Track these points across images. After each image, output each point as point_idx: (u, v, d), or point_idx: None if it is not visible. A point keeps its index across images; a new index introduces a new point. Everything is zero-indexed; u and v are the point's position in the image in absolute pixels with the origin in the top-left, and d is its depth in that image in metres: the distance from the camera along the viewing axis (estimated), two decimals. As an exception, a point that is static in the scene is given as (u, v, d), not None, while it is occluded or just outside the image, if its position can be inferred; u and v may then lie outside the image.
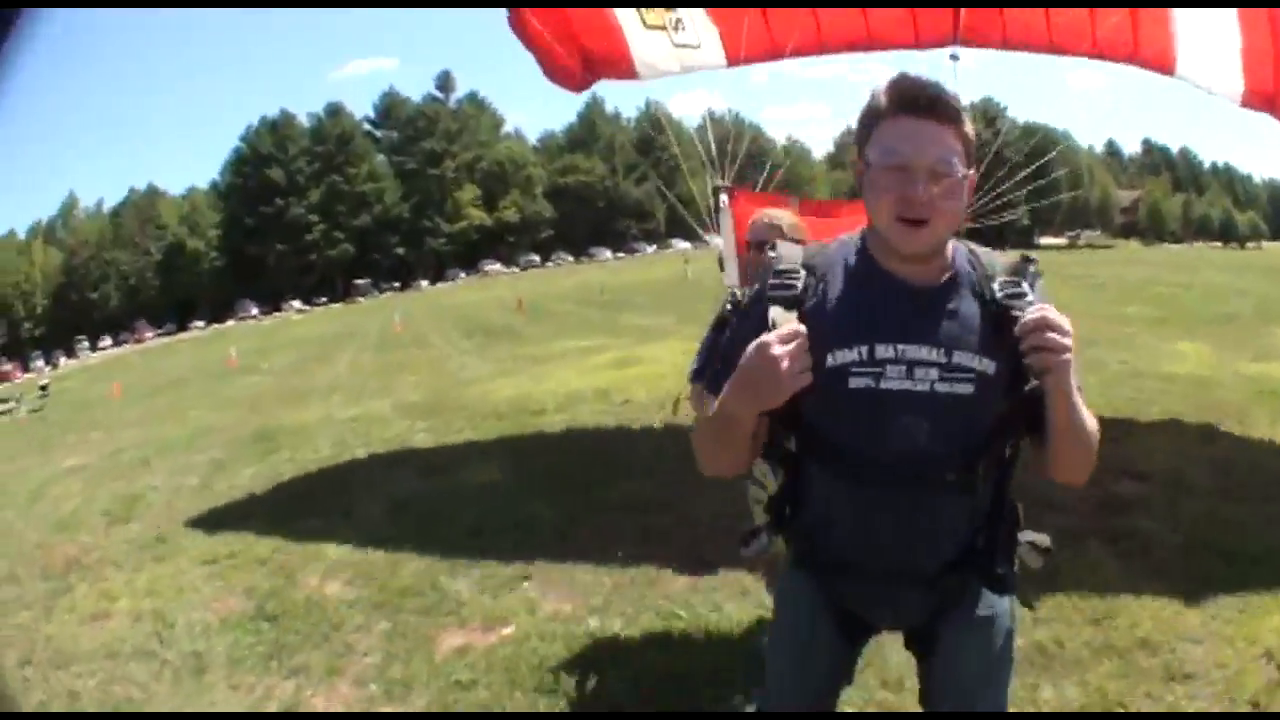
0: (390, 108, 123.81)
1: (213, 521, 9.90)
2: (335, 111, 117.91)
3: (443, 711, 5.41)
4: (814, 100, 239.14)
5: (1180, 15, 9.35)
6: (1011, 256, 2.63)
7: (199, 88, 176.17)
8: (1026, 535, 2.68)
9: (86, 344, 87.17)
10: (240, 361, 32.81)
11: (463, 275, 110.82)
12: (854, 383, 2.47)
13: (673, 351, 19.19)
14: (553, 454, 11.11)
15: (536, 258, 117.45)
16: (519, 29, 8.63)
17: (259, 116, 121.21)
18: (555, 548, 7.67)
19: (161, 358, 52.75)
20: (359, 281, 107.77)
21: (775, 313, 2.47)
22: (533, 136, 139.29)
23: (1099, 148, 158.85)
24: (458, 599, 6.89)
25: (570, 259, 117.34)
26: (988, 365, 2.47)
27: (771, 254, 2.67)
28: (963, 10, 9.56)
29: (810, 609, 2.81)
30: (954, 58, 9.77)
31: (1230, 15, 8.94)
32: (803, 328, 2.33)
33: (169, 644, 6.64)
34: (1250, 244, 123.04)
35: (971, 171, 2.48)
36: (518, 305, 41.16)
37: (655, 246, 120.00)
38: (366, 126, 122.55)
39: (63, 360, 77.13)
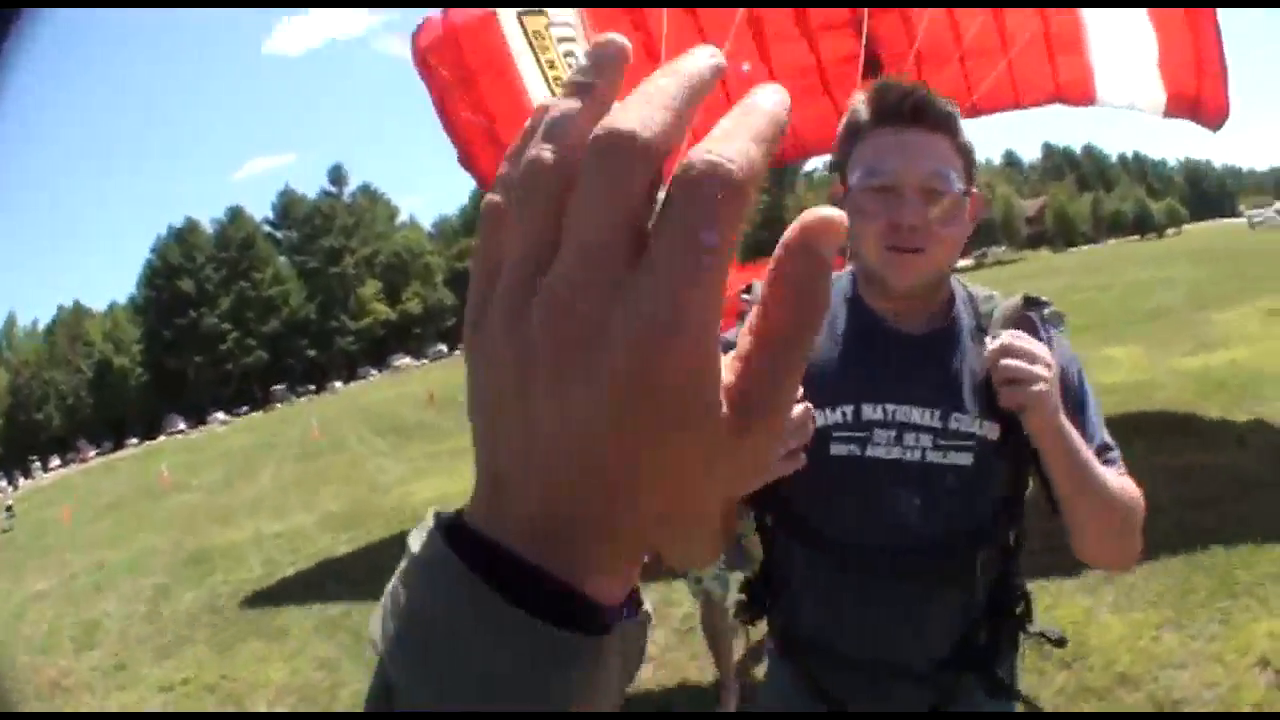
0: (288, 206, 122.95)
1: (163, 649, 10.46)
2: (236, 215, 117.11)
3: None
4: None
5: (1095, 40, 9.22)
6: (1012, 301, 2.22)
7: (110, 201, 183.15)
8: (1036, 627, 2.27)
9: (39, 464, 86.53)
10: (172, 479, 32.90)
11: (374, 372, 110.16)
12: (836, 449, 2.09)
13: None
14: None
15: (444, 347, 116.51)
16: (472, 169, 8.56)
17: (167, 226, 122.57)
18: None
19: (102, 477, 52.39)
20: (276, 388, 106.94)
21: None
22: (427, 222, 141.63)
23: (996, 160, 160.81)
24: (399, 724, 7.13)
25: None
26: (990, 430, 2.08)
27: (746, 298, 2.25)
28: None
29: (797, 707, 2.34)
30: None
31: (1144, 23, 8.87)
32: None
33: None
34: (1170, 231, 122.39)
35: (974, 190, 2.12)
36: (429, 400, 41.33)
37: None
38: (267, 228, 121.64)
39: (21, 480, 76.65)
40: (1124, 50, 9.11)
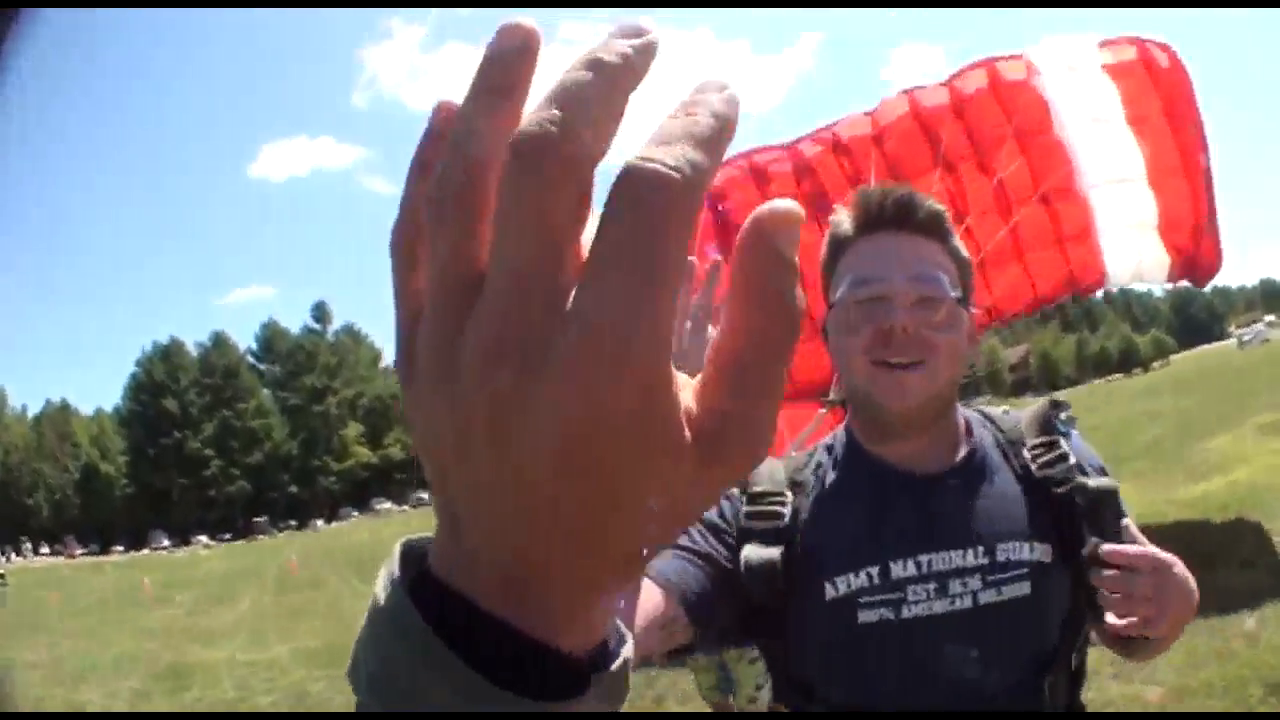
0: (271, 339, 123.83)
1: (141, 754, 10.40)
2: (220, 342, 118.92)
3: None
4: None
5: (1102, 222, 9.16)
6: (1036, 407, 2.03)
7: (96, 305, 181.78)
8: None
9: (29, 546, 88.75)
10: (154, 592, 33.17)
11: (355, 513, 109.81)
12: (865, 616, 1.80)
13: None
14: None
15: (425, 495, 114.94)
16: None
17: (151, 341, 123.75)
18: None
19: (90, 575, 52.98)
20: (258, 519, 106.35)
21: (750, 552, 1.84)
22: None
23: (977, 310, 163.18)
24: None
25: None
26: (1043, 552, 1.82)
27: None
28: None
29: None
30: None
31: (1143, 188, 8.86)
32: None
33: None
34: (1156, 364, 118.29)
35: (974, 309, 1.93)
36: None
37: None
38: (250, 359, 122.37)
39: (13, 556, 78.10)
40: (1127, 221, 9.09)
